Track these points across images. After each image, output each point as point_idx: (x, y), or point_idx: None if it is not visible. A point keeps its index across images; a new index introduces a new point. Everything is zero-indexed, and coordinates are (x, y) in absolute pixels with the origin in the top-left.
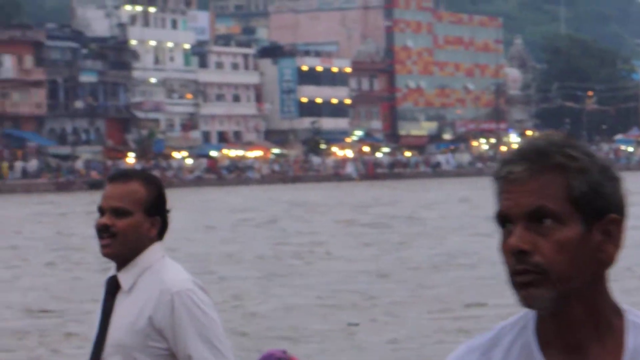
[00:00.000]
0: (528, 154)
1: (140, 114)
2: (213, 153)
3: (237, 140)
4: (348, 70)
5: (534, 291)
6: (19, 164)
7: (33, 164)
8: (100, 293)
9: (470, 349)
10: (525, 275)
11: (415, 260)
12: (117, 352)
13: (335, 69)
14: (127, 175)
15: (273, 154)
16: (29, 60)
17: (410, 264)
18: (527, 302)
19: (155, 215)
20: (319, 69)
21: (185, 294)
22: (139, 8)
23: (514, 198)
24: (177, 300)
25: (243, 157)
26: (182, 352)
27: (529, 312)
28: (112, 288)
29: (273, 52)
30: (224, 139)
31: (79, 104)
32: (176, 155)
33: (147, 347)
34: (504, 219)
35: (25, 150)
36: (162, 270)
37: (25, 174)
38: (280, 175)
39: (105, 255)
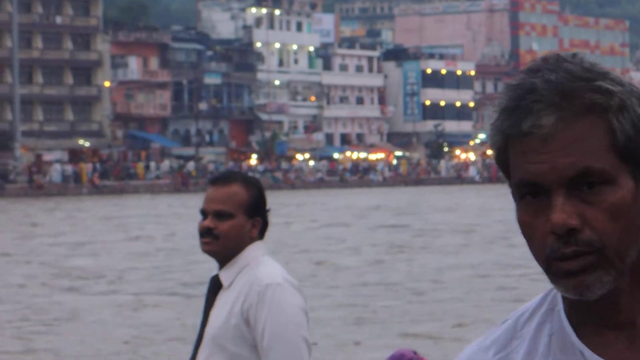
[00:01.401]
0: (550, 98)
1: (263, 116)
2: (336, 155)
3: (359, 142)
4: (472, 73)
5: (589, 277)
6: (153, 165)
7: (165, 165)
8: None
9: (480, 347)
10: (577, 259)
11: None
12: (212, 344)
13: (459, 72)
14: (228, 178)
15: (396, 156)
16: (154, 62)
17: None
18: (580, 291)
19: (256, 216)
20: (443, 71)
21: (272, 288)
22: (264, 10)
23: (548, 160)
24: (263, 293)
25: (365, 160)
26: (259, 343)
27: (553, 292)
28: (215, 286)
29: (397, 54)
30: (346, 141)
31: (203, 106)
32: (299, 157)
33: (239, 339)
34: (532, 187)
35: (149, 151)
36: (258, 266)
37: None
38: (402, 177)
39: (206, 252)
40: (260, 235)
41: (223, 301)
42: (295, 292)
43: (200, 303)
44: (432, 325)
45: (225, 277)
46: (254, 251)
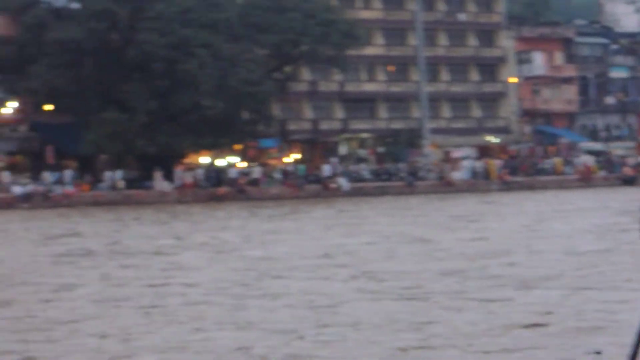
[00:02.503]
0: None
1: None
2: None
3: None
4: None
5: None
6: (581, 160)
7: (585, 159)
8: None
9: None
10: None
11: None
12: None
13: None
14: None
15: None
16: (559, 57)
17: None
18: None
19: None
20: None
21: None
22: None
23: None
24: None
25: None
26: None
27: None
28: None
29: None
30: None
31: (609, 100)
32: None
33: None
34: None
35: (557, 146)
36: None
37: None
38: None
39: None
40: None
41: None
42: None
43: None
44: None
45: None
46: None
